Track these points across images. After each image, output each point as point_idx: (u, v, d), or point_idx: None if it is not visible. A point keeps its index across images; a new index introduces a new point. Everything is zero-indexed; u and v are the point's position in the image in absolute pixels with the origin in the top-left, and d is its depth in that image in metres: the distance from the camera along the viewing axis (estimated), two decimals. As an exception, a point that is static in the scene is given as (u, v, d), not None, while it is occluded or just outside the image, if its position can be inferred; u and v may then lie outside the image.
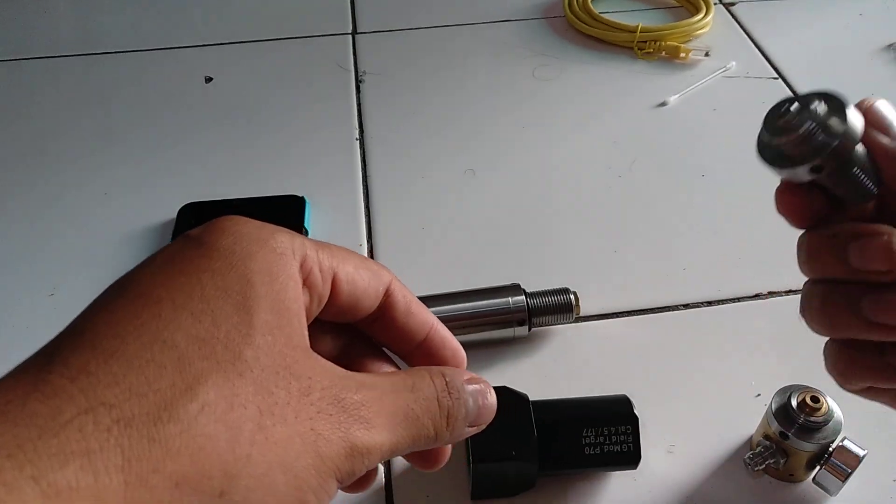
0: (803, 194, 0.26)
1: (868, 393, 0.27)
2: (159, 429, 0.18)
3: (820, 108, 0.23)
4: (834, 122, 0.23)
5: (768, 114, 0.25)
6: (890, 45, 0.71)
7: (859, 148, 0.24)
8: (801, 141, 0.23)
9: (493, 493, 0.38)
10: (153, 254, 0.22)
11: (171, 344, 0.19)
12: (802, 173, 0.24)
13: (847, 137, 0.23)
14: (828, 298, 0.26)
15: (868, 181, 0.24)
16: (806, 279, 0.27)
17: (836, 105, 0.23)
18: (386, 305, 0.26)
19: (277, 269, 0.21)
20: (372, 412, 0.22)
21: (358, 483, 0.27)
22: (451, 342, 0.28)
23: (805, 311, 0.27)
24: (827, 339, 0.28)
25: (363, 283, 0.25)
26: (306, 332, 0.22)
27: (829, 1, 0.78)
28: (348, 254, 0.25)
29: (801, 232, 0.28)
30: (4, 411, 0.17)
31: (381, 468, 0.41)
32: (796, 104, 0.24)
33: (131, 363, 0.18)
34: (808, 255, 0.26)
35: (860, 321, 0.25)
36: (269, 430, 0.19)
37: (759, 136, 0.25)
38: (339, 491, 0.22)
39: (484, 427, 0.26)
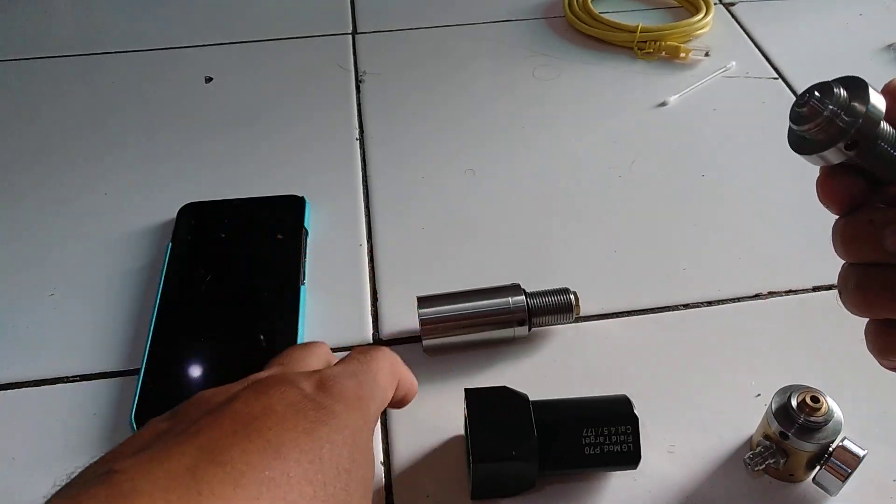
0: (841, 179, 0.26)
1: None
2: None
3: (841, 92, 0.24)
4: (856, 103, 0.24)
5: (793, 105, 0.26)
6: (890, 45, 0.71)
7: (885, 125, 0.24)
8: (827, 125, 0.24)
9: (493, 493, 0.38)
10: (267, 391, 0.27)
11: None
12: (832, 156, 0.25)
13: (870, 116, 0.24)
14: (863, 281, 0.27)
15: None
16: (842, 262, 0.28)
17: (857, 87, 0.24)
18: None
19: (364, 439, 0.28)
20: None
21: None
22: (412, 388, 0.36)
23: (842, 293, 0.28)
24: (867, 320, 0.28)
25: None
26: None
27: (829, 1, 0.78)
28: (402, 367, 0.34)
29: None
30: None
31: (381, 468, 0.41)
32: (817, 92, 0.25)
33: None
34: (844, 240, 0.27)
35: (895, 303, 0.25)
36: None
37: (788, 129, 0.27)
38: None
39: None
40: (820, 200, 0.27)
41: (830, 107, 0.24)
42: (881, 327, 0.28)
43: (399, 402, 0.35)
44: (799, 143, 0.26)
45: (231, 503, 0.22)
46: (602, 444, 0.37)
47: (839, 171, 0.26)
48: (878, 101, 0.24)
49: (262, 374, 0.29)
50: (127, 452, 0.24)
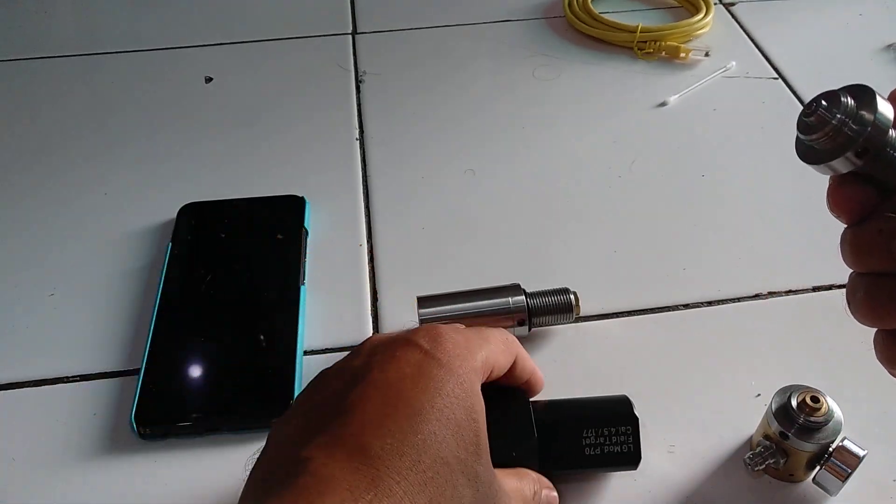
0: (851, 188, 0.26)
1: None
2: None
3: (849, 100, 0.24)
4: (864, 111, 0.24)
5: (800, 115, 0.26)
6: (890, 45, 0.71)
7: (893, 133, 0.24)
8: (835, 134, 0.24)
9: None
10: (394, 354, 0.30)
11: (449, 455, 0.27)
12: (841, 166, 0.25)
13: (878, 124, 0.24)
14: (872, 291, 0.26)
15: None
16: (850, 271, 0.28)
17: (865, 95, 0.24)
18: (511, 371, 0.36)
19: (476, 387, 0.30)
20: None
21: None
22: (540, 380, 0.38)
23: (850, 303, 0.27)
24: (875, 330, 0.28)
25: (503, 363, 0.35)
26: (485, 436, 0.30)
27: (829, 1, 0.78)
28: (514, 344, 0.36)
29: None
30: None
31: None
32: (825, 101, 0.24)
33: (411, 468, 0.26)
34: (853, 249, 0.27)
35: None
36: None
37: (796, 139, 0.26)
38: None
39: None
40: (830, 210, 0.27)
41: (838, 115, 0.24)
42: (890, 337, 0.27)
43: (526, 384, 0.37)
44: (807, 153, 0.26)
45: (401, 472, 0.25)
46: (602, 445, 0.36)
47: (848, 181, 0.26)
48: (885, 109, 0.24)
49: (382, 337, 0.32)
50: (297, 434, 0.27)
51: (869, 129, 0.24)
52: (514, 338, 0.36)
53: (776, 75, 0.68)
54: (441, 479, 0.26)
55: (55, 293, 0.50)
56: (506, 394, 0.38)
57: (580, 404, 0.38)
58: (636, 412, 0.37)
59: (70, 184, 0.58)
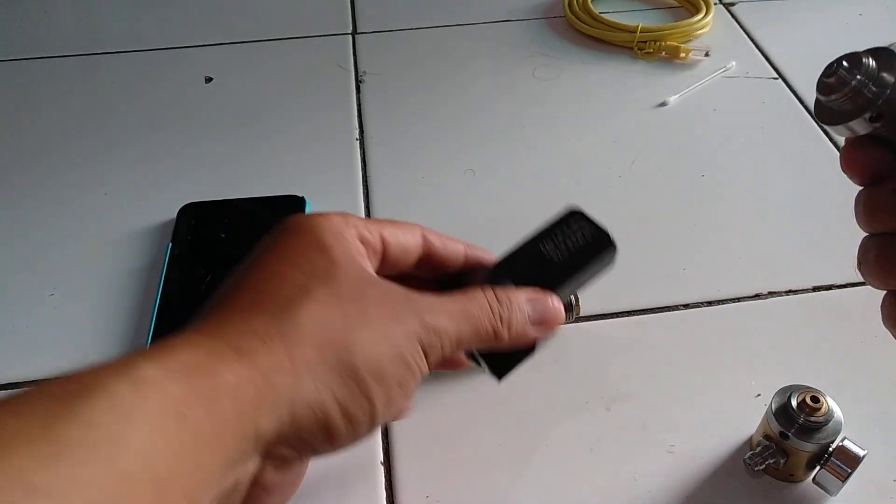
0: (866, 149, 0.26)
1: None
2: (298, 318, 0.27)
3: (870, 62, 0.24)
4: (885, 73, 0.24)
5: (821, 76, 0.25)
6: (890, 45, 0.71)
7: None
8: (854, 94, 0.24)
9: (510, 361, 0.36)
10: (265, 238, 0.31)
11: (290, 280, 0.28)
12: (858, 127, 0.25)
13: (893, 93, 0.24)
14: (883, 252, 0.27)
15: None
16: (864, 234, 0.28)
17: (887, 57, 0.24)
18: (427, 247, 0.35)
19: (342, 232, 0.30)
20: (436, 307, 0.30)
21: (451, 364, 0.37)
22: (486, 254, 0.37)
23: (861, 263, 0.28)
24: (885, 292, 0.28)
25: (404, 236, 0.34)
26: (371, 270, 0.31)
27: (829, 1, 0.78)
28: (384, 220, 0.34)
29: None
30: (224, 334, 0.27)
31: (382, 468, 0.41)
32: (846, 62, 0.24)
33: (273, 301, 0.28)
34: (866, 210, 0.27)
35: None
36: (368, 315, 0.28)
37: (815, 100, 0.26)
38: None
39: (555, 329, 0.34)
40: (843, 171, 0.27)
41: (858, 76, 0.24)
42: None
43: (465, 261, 0.36)
44: (825, 114, 0.26)
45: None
46: (565, 246, 0.35)
47: (865, 143, 0.26)
48: None
49: None
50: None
51: (889, 91, 0.24)
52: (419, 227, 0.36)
53: (776, 75, 0.68)
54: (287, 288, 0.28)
55: (55, 293, 0.50)
56: (467, 271, 0.37)
57: (527, 237, 0.37)
58: (581, 210, 0.37)
59: (70, 184, 0.58)
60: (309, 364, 0.26)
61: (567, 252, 0.35)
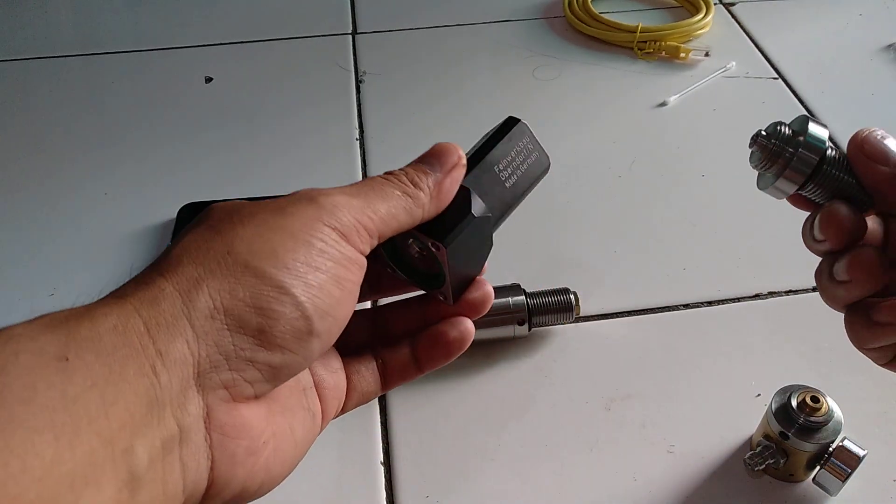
0: (842, 208, 0.29)
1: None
2: (172, 251, 0.25)
3: (784, 129, 0.28)
4: (797, 135, 0.28)
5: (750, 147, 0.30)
6: (889, 45, 0.71)
7: (831, 152, 0.28)
8: (773, 157, 0.29)
9: (465, 274, 0.34)
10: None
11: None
12: (786, 186, 0.29)
13: (810, 143, 0.28)
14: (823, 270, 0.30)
15: (858, 187, 0.28)
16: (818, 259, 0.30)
17: (799, 122, 0.28)
18: None
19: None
20: (343, 191, 0.28)
21: (389, 288, 0.34)
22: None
23: (818, 283, 0.31)
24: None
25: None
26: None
27: (828, 1, 0.78)
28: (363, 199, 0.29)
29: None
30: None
31: (382, 468, 0.41)
32: (764, 132, 0.29)
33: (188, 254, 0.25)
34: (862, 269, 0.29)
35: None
36: (255, 219, 0.26)
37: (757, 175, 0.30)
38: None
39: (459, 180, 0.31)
40: (817, 235, 0.30)
41: (774, 141, 0.28)
42: (851, 315, 0.30)
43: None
44: (758, 179, 0.30)
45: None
46: (516, 170, 0.35)
47: (802, 200, 0.30)
48: (817, 131, 0.27)
49: None
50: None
51: (799, 150, 0.28)
52: (422, 192, 0.30)
53: (776, 75, 0.68)
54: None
55: (55, 293, 0.50)
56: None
57: (480, 153, 0.35)
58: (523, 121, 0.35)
59: (70, 184, 0.58)
60: (192, 280, 0.24)
61: (519, 175, 0.35)
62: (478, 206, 0.33)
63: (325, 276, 0.25)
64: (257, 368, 0.24)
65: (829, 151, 0.27)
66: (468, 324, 0.32)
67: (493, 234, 0.34)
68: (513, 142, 0.35)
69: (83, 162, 0.61)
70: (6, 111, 0.66)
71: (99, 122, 0.65)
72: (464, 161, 0.31)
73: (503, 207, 0.34)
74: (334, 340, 0.27)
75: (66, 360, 0.21)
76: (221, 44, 0.73)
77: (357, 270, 0.27)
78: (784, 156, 0.28)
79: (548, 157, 0.35)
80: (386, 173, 0.29)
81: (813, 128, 0.27)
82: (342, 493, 0.40)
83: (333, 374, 0.30)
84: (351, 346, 0.31)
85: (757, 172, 0.30)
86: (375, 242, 0.28)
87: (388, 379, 0.32)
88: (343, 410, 0.31)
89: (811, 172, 0.28)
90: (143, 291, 0.24)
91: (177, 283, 0.24)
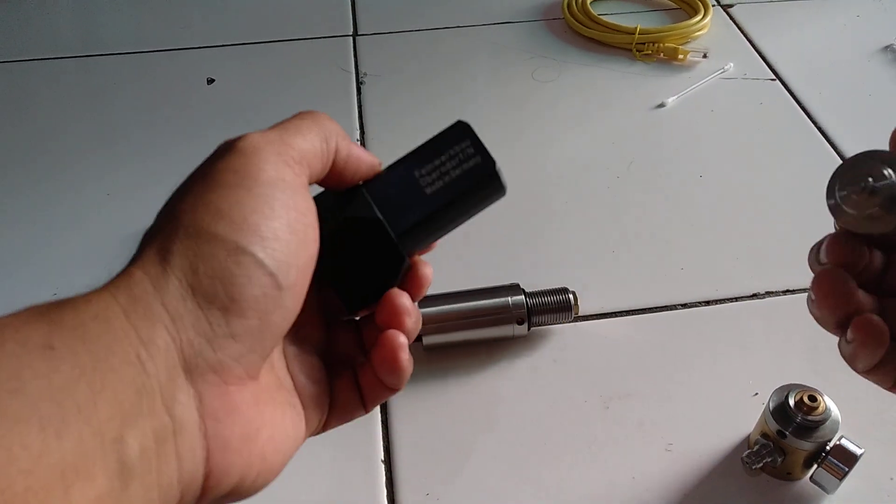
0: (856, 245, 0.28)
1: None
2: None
3: (890, 171, 0.26)
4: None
5: (840, 187, 0.27)
6: (887, 47, 0.71)
7: None
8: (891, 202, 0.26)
9: (366, 296, 0.30)
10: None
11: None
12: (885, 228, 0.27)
13: None
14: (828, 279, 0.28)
15: None
16: (816, 270, 0.29)
17: (880, 159, 0.27)
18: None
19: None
20: (255, 133, 0.27)
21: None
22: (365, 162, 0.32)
23: (810, 295, 0.29)
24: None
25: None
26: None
27: (826, 2, 0.79)
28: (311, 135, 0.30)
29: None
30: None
31: (382, 467, 0.41)
32: (870, 178, 0.27)
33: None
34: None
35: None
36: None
37: (839, 209, 0.28)
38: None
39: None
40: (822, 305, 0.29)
41: (887, 186, 0.26)
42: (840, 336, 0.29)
43: (340, 164, 0.31)
44: (871, 223, 0.27)
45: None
46: (444, 176, 0.30)
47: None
48: None
49: None
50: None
51: None
52: (334, 125, 0.31)
53: (774, 77, 0.68)
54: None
55: (57, 293, 0.50)
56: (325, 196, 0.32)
57: (405, 156, 0.32)
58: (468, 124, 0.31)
59: (72, 185, 0.59)
60: (156, 263, 0.24)
61: (443, 182, 0.30)
62: (362, 208, 0.29)
63: (276, 223, 0.25)
64: (239, 341, 0.24)
65: None
66: (392, 339, 0.28)
67: (415, 248, 0.30)
68: (447, 144, 0.30)
69: (85, 163, 0.61)
70: (7, 112, 0.66)
71: (100, 123, 0.65)
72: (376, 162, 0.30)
73: (418, 217, 0.29)
74: (305, 291, 0.26)
75: (51, 348, 0.20)
76: (223, 45, 0.74)
77: (304, 208, 0.26)
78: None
79: (494, 162, 0.30)
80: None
81: None
82: (343, 491, 0.40)
83: (316, 384, 0.29)
84: (338, 359, 0.30)
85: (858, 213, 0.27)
86: (307, 173, 0.28)
87: (366, 398, 0.29)
88: (325, 426, 0.30)
89: None
90: (117, 279, 0.24)
91: (144, 269, 0.24)
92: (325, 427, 0.30)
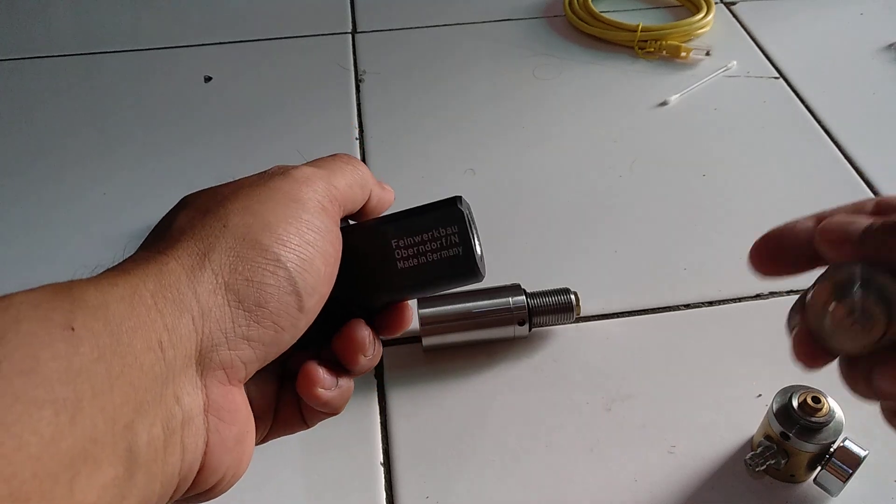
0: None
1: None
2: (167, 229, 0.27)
3: (875, 289, 0.24)
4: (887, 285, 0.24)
5: (835, 296, 0.25)
6: (890, 45, 0.71)
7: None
8: (874, 321, 0.24)
9: (313, 336, 0.28)
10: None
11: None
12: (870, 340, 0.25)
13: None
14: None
15: None
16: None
17: (873, 273, 0.24)
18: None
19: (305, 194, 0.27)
20: (308, 165, 0.29)
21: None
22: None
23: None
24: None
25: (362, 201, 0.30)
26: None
27: (830, 1, 0.78)
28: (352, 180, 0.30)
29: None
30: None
31: (382, 469, 0.41)
32: (858, 292, 0.24)
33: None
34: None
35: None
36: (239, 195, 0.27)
37: (821, 324, 0.27)
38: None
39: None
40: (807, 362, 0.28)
41: (872, 304, 0.24)
42: (846, 363, 0.28)
43: (371, 207, 0.31)
44: (839, 340, 0.26)
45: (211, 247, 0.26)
46: (420, 255, 0.29)
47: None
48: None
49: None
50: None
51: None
52: (368, 171, 0.31)
53: (777, 75, 0.68)
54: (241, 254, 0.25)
55: (54, 293, 0.50)
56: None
57: (391, 218, 0.30)
58: (463, 208, 0.29)
59: (70, 184, 0.58)
60: (195, 256, 0.24)
61: (416, 262, 0.29)
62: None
63: (313, 249, 0.26)
64: (252, 347, 0.24)
65: None
66: (309, 373, 0.28)
67: (371, 307, 0.29)
68: (434, 223, 0.29)
69: (83, 162, 0.60)
70: (5, 111, 0.66)
71: (98, 121, 0.65)
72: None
73: (382, 288, 0.29)
74: (312, 320, 0.26)
75: (71, 329, 0.20)
76: (221, 43, 0.73)
77: (337, 244, 0.27)
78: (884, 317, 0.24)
79: (474, 257, 0.29)
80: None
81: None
82: (342, 494, 0.40)
83: (265, 396, 0.28)
84: (287, 374, 0.29)
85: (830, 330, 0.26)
86: (342, 212, 0.28)
87: (305, 415, 0.29)
88: (265, 439, 0.29)
89: None
90: (147, 265, 0.24)
91: (179, 259, 0.24)
92: (264, 439, 0.29)
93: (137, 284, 0.22)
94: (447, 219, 0.29)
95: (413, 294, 0.30)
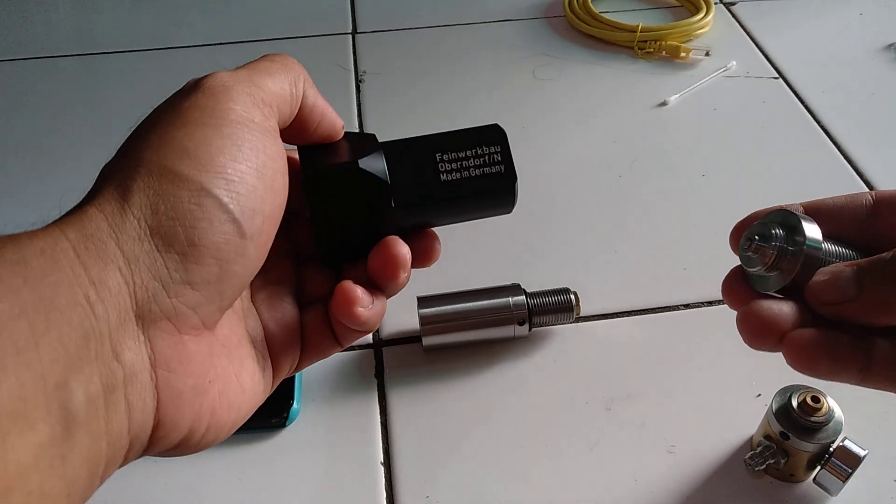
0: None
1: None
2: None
3: (778, 230, 0.26)
4: (793, 240, 0.26)
5: (741, 251, 0.27)
6: (890, 45, 0.71)
7: (825, 246, 0.26)
8: (772, 265, 0.26)
9: (346, 254, 0.29)
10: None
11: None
12: (776, 285, 0.27)
13: (810, 250, 0.25)
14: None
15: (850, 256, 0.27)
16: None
17: (791, 223, 0.26)
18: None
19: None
20: (224, 72, 0.28)
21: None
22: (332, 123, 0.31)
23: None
24: None
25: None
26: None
27: (829, 1, 0.78)
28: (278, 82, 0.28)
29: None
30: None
31: (382, 469, 0.41)
32: (757, 236, 0.26)
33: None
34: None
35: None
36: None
37: (744, 272, 0.28)
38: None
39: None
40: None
41: (771, 249, 0.26)
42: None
43: (306, 115, 0.30)
44: (753, 280, 0.27)
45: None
46: (463, 170, 0.29)
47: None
48: (812, 232, 0.26)
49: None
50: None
51: (801, 259, 0.25)
52: (302, 70, 0.30)
53: (777, 75, 0.68)
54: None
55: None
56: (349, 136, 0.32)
57: (436, 134, 0.30)
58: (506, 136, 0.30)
59: (69, 184, 0.58)
60: (114, 200, 0.23)
61: (460, 176, 0.29)
62: (374, 165, 0.28)
63: (243, 165, 0.23)
64: (196, 290, 0.22)
65: (825, 245, 0.26)
66: (346, 292, 0.27)
67: (406, 224, 0.29)
68: (478, 140, 0.30)
69: (82, 162, 0.60)
70: (5, 111, 0.66)
71: (98, 122, 0.65)
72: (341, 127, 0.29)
73: (423, 198, 0.29)
74: (270, 242, 0.25)
75: None
76: (221, 43, 0.73)
77: (275, 152, 0.25)
78: (782, 264, 0.26)
79: (515, 177, 0.30)
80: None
81: (808, 229, 0.26)
82: (342, 494, 0.40)
83: (286, 327, 0.28)
84: (310, 299, 0.29)
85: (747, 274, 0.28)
86: (276, 116, 0.26)
87: (338, 335, 0.28)
88: (299, 367, 0.29)
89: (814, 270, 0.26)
90: (68, 217, 0.22)
91: (99, 206, 0.22)
92: (298, 367, 0.29)
93: (58, 237, 0.21)
94: (491, 137, 0.30)
95: (449, 212, 0.30)
